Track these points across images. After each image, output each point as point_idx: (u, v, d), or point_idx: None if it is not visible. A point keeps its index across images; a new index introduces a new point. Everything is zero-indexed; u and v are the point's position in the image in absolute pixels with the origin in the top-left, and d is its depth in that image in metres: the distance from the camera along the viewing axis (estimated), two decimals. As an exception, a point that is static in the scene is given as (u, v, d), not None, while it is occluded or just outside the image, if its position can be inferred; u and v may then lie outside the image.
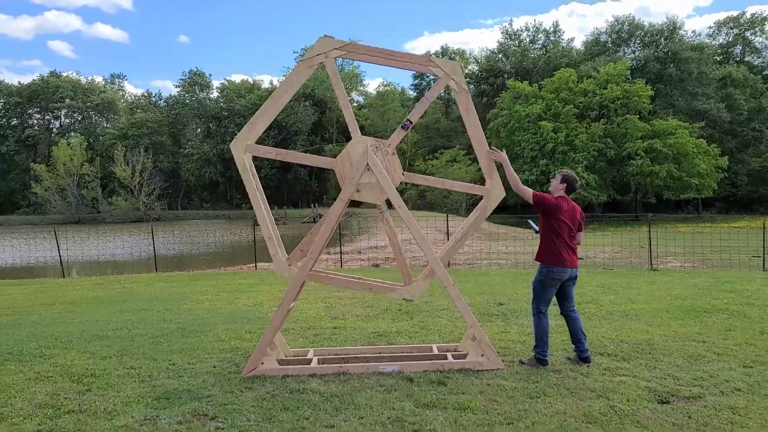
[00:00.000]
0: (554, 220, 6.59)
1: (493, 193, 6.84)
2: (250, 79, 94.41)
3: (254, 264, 19.80)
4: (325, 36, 6.67)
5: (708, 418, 4.97)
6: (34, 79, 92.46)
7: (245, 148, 6.74)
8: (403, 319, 9.50)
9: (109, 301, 12.50)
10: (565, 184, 6.81)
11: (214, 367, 6.88)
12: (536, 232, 6.87)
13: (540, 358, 6.60)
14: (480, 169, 7.08)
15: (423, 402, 5.51)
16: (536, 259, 6.76)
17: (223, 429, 4.99)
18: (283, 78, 7.51)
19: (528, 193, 6.76)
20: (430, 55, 6.78)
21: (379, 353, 7.22)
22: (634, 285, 12.88)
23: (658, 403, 5.39)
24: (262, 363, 6.56)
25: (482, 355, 6.60)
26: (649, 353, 7.05)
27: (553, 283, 6.68)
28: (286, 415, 5.25)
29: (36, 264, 26.40)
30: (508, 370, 6.49)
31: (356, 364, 6.67)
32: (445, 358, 6.81)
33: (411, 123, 6.93)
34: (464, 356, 6.78)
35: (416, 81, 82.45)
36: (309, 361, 6.85)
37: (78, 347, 8.03)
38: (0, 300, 13.12)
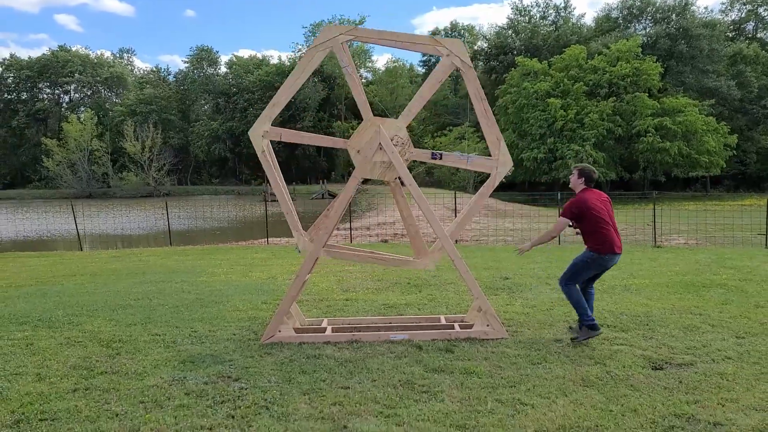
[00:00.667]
0: (590, 214, 6.61)
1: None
2: (258, 55, 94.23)
3: (266, 239, 20.22)
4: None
5: (697, 383, 5.34)
6: (44, 53, 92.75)
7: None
8: (412, 292, 9.88)
9: (127, 273, 12.94)
10: (583, 178, 6.85)
11: (234, 334, 7.29)
12: (572, 226, 6.90)
13: (590, 324, 6.63)
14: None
15: (431, 367, 5.90)
16: (591, 250, 6.68)
17: (246, 389, 5.39)
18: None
19: (560, 220, 6.78)
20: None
21: (390, 323, 7.61)
22: (636, 261, 13.20)
23: (652, 369, 5.76)
24: (280, 330, 6.96)
25: (488, 325, 6.97)
26: (647, 324, 7.41)
27: (598, 268, 6.79)
28: (304, 378, 5.65)
29: (50, 237, 26.95)
30: (511, 339, 6.87)
31: (368, 332, 7.06)
32: (453, 327, 7.20)
33: (440, 157, 7.31)
34: (470, 326, 7.16)
35: (425, 57, 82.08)
36: (323, 330, 7.26)
37: (103, 315, 8.46)
38: (23, 271, 13.60)
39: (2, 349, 6.86)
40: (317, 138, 7.76)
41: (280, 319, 6.98)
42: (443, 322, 7.57)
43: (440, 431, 4.45)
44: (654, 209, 18.53)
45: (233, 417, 4.79)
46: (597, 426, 4.47)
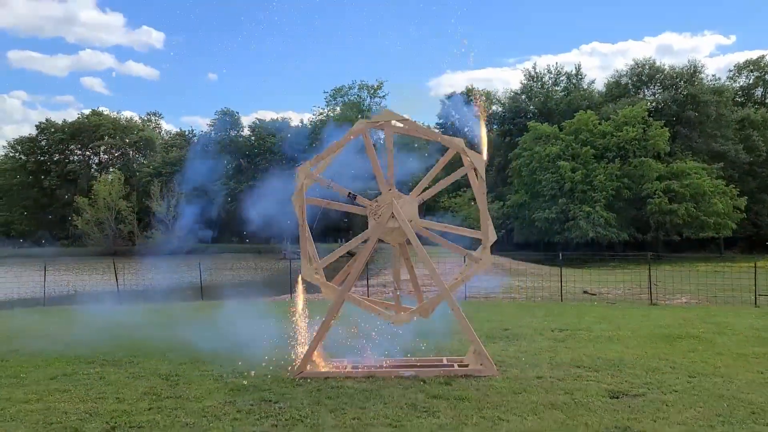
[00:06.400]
0: None
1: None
2: (279, 117, 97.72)
3: (290, 294, 21.72)
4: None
5: (642, 407, 6.71)
6: (78, 117, 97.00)
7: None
8: (421, 340, 11.27)
9: (168, 323, 14.45)
10: None
11: (270, 370, 8.75)
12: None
13: None
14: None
15: (432, 394, 7.33)
16: None
17: (284, 409, 6.86)
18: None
19: None
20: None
21: (400, 363, 9.05)
22: (628, 316, 14.49)
23: (610, 398, 7.13)
24: (309, 367, 8.43)
25: (481, 364, 8.38)
26: (617, 366, 8.77)
27: None
28: (329, 401, 7.11)
29: (83, 292, 28.67)
30: (501, 376, 8.27)
31: (382, 369, 8.49)
32: (452, 366, 8.63)
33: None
34: (467, 366, 8.57)
35: (440, 121, 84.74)
36: (345, 367, 8.72)
37: (157, 356, 9.98)
38: (75, 321, 15.20)
39: (81, 381, 8.39)
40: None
41: (309, 357, 8.46)
42: (445, 362, 8.99)
43: (434, 436, 5.87)
44: (649, 270, 19.82)
45: (276, 426, 6.25)
46: (554, 433, 5.87)
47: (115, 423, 6.44)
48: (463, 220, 50.30)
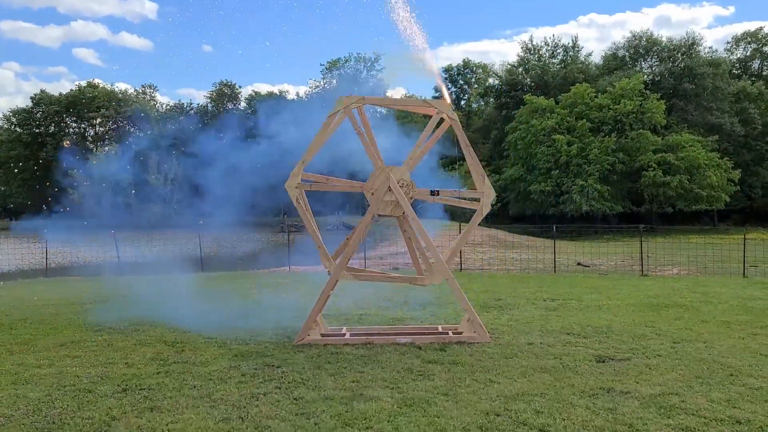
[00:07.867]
0: None
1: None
2: (275, 89, 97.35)
3: (288, 266, 22.10)
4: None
5: (626, 370, 7.07)
6: (72, 89, 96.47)
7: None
8: (417, 310, 11.66)
9: (171, 294, 14.77)
10: None
11: (272, 338, 9.10)
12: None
13: None
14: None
15: (427, 360, 7.67)
16: None
17: (287, 372, 7.20)
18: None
19: None
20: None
21: (397, 331, 9.39)
22: (618, 287, 14.87)
23: (596, 362, 7.49)
24: (309, 335, 8.77)
25: (474, 332, 8.73)
26: (605, 333, 9.14)
27: None
28: (329, 366, 7.45)
29: (82, 263, 28.99)
30: (493, 342, 8.63)
31: (379, 337, 8.84)
32: (447, 334, 8.97)
33: (438, 193, 9.10)
34: (461, 333, 8.92)
35: (438, 94, 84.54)
36: (343, 335, 9.07)
37: (162, 325, 10.29)
38: (82, 291, 15.55)
39: (90, 348, 8.72)
40: (340, 185, 9.63)
41: (310, 325, 8.79)
42: (440, 330, 9.34)
43: (429, 397, 6.22)
44: (641, 242, 20.18)
45: (280, 388, 6.59)
46: (542, 394, 6.23)
47: (126, 386, 6.78)
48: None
